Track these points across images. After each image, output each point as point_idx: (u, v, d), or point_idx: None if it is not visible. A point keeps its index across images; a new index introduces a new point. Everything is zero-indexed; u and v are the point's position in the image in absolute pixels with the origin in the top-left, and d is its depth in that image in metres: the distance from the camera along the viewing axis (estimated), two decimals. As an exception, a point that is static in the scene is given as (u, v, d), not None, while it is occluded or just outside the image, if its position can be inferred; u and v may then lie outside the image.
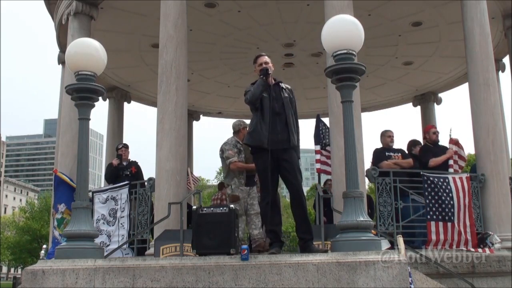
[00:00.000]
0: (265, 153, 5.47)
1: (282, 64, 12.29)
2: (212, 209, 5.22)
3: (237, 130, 7.37)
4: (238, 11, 10.05)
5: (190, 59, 8.82)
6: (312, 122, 9.91)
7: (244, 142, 6.01)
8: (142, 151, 30.87)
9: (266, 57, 5.87)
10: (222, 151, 7.29)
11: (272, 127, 5.51)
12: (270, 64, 5.78)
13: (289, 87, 5.90)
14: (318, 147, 9.05)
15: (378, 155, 8.25)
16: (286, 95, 5.73)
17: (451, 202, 7.21)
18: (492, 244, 7.13)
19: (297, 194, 5.53)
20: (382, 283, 4.27)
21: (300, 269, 4.43)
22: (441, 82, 13.78)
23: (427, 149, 8.53)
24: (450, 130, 8.55)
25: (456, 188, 7.30)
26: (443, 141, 8.74)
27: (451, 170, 8.13)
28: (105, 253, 6.44)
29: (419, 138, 9.75)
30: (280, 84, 5.81)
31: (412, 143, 8.97)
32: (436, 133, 8.70)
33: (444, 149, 8.44)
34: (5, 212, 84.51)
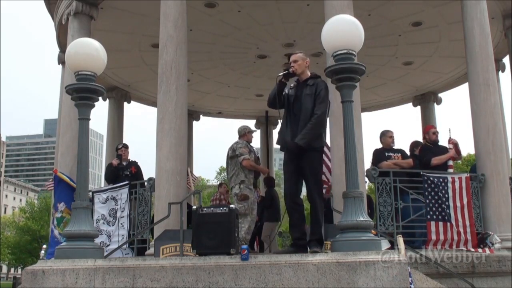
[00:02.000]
0: (288, 153, 5.62)
1: (282, 64, 12.28)
2: (212, 209, 5.24)
3: (242, 134, 7.91)
4: (238, 11, 10.05)
5: (190, 59, 8.81)
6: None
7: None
8: (142, 151, 30.87)
9: (298, 55, 5.77)
10: (233, 150, 7.61)
11: (292, 128, 5.58)
12: (300, 62, 5.68)
13: (318, 81, 5.64)
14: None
15: (378, 155, 8.25)
16: (308, 92, 5.58)
17: (447, 202, 7.21)
18: (492, 244, 7.13)
19: (310, 195, 5.61)
20: (382, 283, 4.28)
21: (300, 269, 4.44)
22: (441, 82, 13.78)
23: (427, 149, 8.52)
24: (450, 130, 8.54)
25: (453, 188, 7.30)
26: (443, 141, 8.75)
27: (450, 170, 8.14)
28: (105, 253, 6.43)
29: (419, 138, 9.75)
30: (308, 80, 5.66)
31: (415, 144, 8.96)
32: (435, 133, 8.69)
33: (444, 149, 8.44)
34: (5, 212, 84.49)
